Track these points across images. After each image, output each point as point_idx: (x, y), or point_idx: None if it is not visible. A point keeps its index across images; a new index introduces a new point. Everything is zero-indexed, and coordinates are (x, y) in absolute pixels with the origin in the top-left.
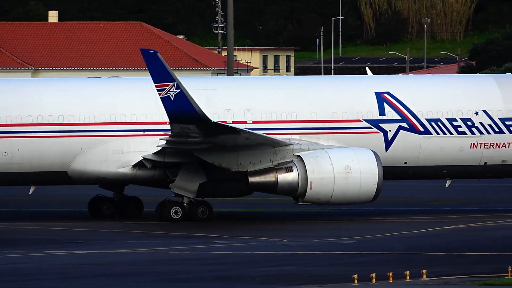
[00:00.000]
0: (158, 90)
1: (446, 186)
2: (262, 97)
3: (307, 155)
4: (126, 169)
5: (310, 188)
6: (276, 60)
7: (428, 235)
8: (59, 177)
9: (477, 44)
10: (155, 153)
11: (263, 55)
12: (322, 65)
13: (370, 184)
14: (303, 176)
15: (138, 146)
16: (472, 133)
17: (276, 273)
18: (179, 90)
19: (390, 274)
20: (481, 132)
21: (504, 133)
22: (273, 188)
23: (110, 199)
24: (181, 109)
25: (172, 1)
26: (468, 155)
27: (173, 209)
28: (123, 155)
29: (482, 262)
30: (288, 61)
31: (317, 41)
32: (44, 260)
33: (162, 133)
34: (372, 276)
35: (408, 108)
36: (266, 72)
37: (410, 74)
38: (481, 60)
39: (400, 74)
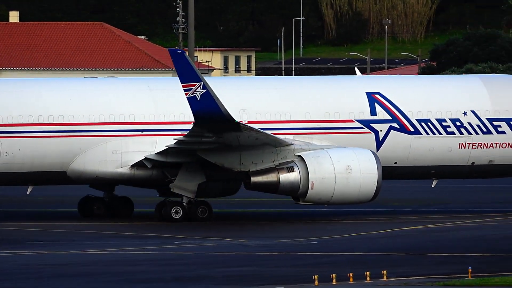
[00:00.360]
0: (184, 90)
1: (433, 186)
2: (257, 97)
3: (308, 155)
4: (125, 169)
5: (312, 188)
6: (237, 60)
7: (389, 236)
8: (58, 177)
9: (438, 45)
10: (157, 153)
11: (224, 56)
12: (283, 65)
13: (370, 184)
14: (305, 176)
15: (137, 146)
16: (461, 133)
17: (237, 273)
18: (205, 90)
19: (351, 275)
20: (469, 133)
21: (492, 133)
22: (275, 188)
23: (101, 199)
24: (207, 109)
25: (133, 1)
26: (456, 155)
27: (174, 209)
28: (122, 155)
29: (443, 263)
30: (249, 62)
31: (278, 42)
32: (3, 261)
33: (159, 133)
34: (332, 276)
35: (399, 109)
36: (227, 72)
37: (399, 75)
38: (442, 61)
39: (389, 75)
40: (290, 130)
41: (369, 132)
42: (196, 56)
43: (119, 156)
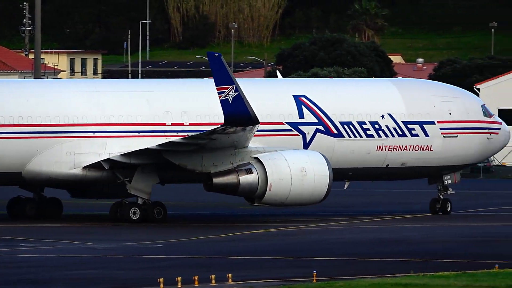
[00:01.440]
0: (218, 93)
1: (345, 188)
2: (197, 100)
3: (264, 157)
4: (77, 170)
5: (270, 190)
6: (84, 63)
7: (235, 239)
8: (14, 178)
9: (284, 49)
10: (122, 155)
11: (70, 58)
12: (130, 68)
13: (322, 185)
14: (263, 177)
15: (88, 148)
16: (379, 136)
17: (81, 276)
18: (237, 93)
19: (196, 278)
20: (386, 135)
21: (406, 136)
22: (234, 189)
23: (33, 200)
24: (237, 112)
25: None
26: (374, 157)
27: (132, 210)
28: (75, 156)
29: (288, 266)
30: (95, 64)
31: (125, 45)
32: None
33: (110, 134)
34: (178, 280)
35: (324, 111)
36: (74, 75)
37: (322, 78)
38: (288, 65)
39: (315, 78)
40: None
41: (297, 135)
42: (42, 59)
43: (73, 157)
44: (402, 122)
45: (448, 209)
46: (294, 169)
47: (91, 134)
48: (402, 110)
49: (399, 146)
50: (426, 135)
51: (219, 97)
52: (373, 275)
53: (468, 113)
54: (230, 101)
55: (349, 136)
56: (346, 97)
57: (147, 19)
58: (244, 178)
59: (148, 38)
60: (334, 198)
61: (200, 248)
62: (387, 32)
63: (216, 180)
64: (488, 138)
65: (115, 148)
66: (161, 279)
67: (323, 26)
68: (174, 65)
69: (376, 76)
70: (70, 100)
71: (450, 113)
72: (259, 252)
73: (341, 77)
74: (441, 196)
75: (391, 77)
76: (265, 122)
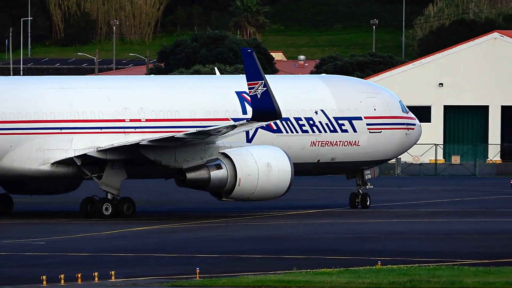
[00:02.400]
0: (249, 88)
1: None
2: (152, 96)
3: (232, 153)
4: (46, 166)
5: (239, 185)
6: None
7: (118, 236)
8: None
9: (166, 46)
10: (99, 151)
11: None
12: (11, 66)
13: (285, 180)
14: (232, 173)
15: (56, 144)
16: (313, 131)
17: None
18: (265, 89)
19: (79, 275)
20: (319, 131)
21: (337, 131)
22: (206, 184)
23: None
24: (264, 107)
25: None
26: (307, 152)
27: (105, 206)
28: (44, 152)
29: (172, 263)
30: None
31: (6, 42)
32: None
33: (75, 130)
34: (61, 277)
35: None
36: None
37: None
38: (170, 62)
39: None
40: (179, 128)
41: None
42: None
43: (42, 153)
44: (334, 118)
45: (368, 204)
46: (260, 164)
47: (58, 131)
48: (333, 106)
49: (330, 142)
50: (355, 130)
51: (249, 92)
52: (256, 272)
53: (390, 109)
54: (259, 96)
55: (287, 132)
56: (283, 93)
57: (29, 16)
58: (215, 174)
59: (29, 35)
60: None
61: (82, 246)
62: (268, 29)
63: (189, 175)
64: (406, 134)
65: (80, 144)
66: (44, 277)
67: (205, 23)
68: (56, 62)
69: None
70: (41, 97)
71: (375, 109)
72: (142, 249)
73: (224, 74)
74: (361, 191)
75: (273, 74)
76: (212, 118)
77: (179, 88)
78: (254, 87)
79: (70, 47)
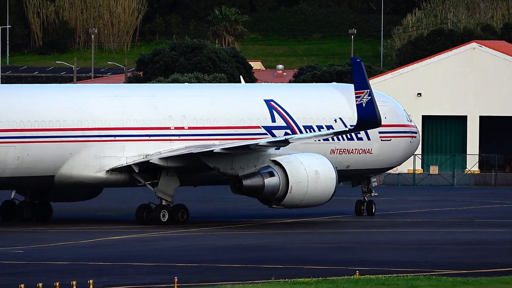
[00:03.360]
0: (356, 97)
1: None
2: (192, 104)
3: (283, 160)
4: (102, 173)
5: (290, 192)
6: None
7: (96, 245)
8: (45, 182)
9: (144, 55)
10: (161, 158)
11: None
12: None
13: (331, 187)
14: (284, 180)
15: (110, 151)
16: (333, 139)
17: None
18: (370, 98)
19: (57, 284)
20: (338, 139)
21: (353, 139)
22: (260, 191)
23: (28, 203)
24: (368, 115)
25: None
26: None
27: (162, 212)
28: (100, 160)
29: (150, 272)
30: None
31: None
32: None
33: (127, 138)
34: (39, 285)
35: (290, 115)
36: None
37: (281, 83)
38: (148, 71)
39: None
40: (217, 136)
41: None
42: None
43: (98, 161)
44: (350, 126)
45: (373, 211)
46: (309, 172)
47: (112, 138)
48: (349, 114)
49: (347, 150)
50: (368, 138)
51: (356, 101)
52: (234, 281)
53: (398, 117)
54: (364, 105)
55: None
56: (305, 101)
57: (7, 24)
58: (268, 181)
59: (8, 43)
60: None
61: (61, 254)
62: (247, 38)
63: (245, 182)
64: (410, 142)
65: (131, 152)
66: (22, 285)
67: (183, 32)
68: (34, 70)
69: (237, 83)
70: (96, 105)
71: (385, 117)
72: (121, 258)
73: (202, 82)
74: (366, 198)
75: (252, 82)
76: (246, 126)
77: (216, 96)
78: (361, 95)
79: (49, 56)
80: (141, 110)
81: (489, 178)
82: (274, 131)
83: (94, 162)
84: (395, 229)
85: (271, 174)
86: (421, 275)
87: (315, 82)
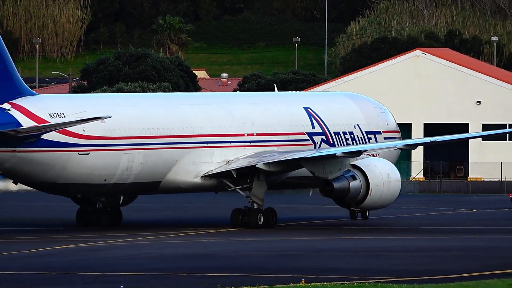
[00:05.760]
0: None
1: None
2: (256, 112)
3: (361, 164)
4: (198, 179)
5: (370, 195)
6: None
7: (43, 254)
8: (151, 188)
9: (89, 64)
10: (265, 163)
11: None
12: None
13: (398, 190)
14: (365, 183)
15: (204, 158)
16: (353, 145)
17: None
18: None
19: None
20: (357, 144)
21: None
22: (345, 194)
23: (105, 209)
24: None
25: None
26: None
27: (258, 216)
28: (197, 165)
29: (96, 281)
30: None
31: None
32: None
33: (215, 144)
34: None
35: (324, 122)
36: None
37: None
38: (93, 80)
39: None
40: (276, 142)
41: (311, 144)
42: None
43: (195, 166)
44: (365, 132)
45: (367, 214)
46: (384, 175)
47: (205, 145)
48: (363, 121)
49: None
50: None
51: None
52: None
53: (394, 125)
54: None
55: (338, 145)
56: (331, 108)
57: None
58: (353, 184)
59: None
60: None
61: (6, 264)
62: (191, 47)
63: (336, 185)
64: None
65: (218, 157)
66: None
67: (127, 41)
68: None
69: (181, 91)
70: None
71: (387, 124)
72: (67, 268)
73: (147, 92)
74: None
75: (196, 91)
76: (294, 132)
77: (269, 104)
78: None
79: None
80: (221, 117)
81: (434, 185)
82: (314, 137)
83: (193, 168)
84: (342, 237)
85: (354, 178)
86: (367, 282)
87: (260, 91)
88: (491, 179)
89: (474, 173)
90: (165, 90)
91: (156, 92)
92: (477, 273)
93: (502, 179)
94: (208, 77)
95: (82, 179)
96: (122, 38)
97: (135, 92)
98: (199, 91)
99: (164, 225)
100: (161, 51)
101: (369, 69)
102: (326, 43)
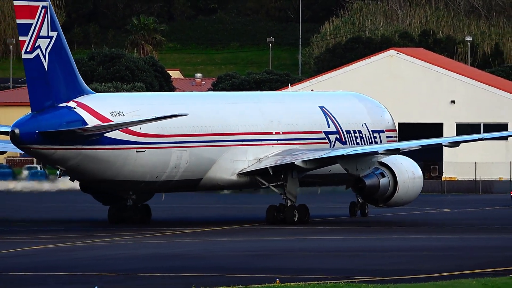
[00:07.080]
0: None
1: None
2: (280, 110)
3: (388, 161)
4: (234, 176)
5: (397, 192)
6: None
7: (16, 255)
8: (192, 185)
9: None
10: (303, 161)
11: None
12: None
13: (420, 187)
14: (393, 180)
15: (240, 155)
16: (362, 143)
17: None
18: None
19: None
20: (364, 142)
21: (373, 143)
22: (376, 191)
23: (136, 206)
24: None
25: None
26: None
27: (294, 212)
28: (234, 163)
29: (70, 282)
30: None
31: None
32: None
33: (249, 143)
34: None
35: (337, 121)
36: None
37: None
38: None
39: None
40: (298, 140)
41: (327, 142)
42: None
43: (232, 164)
44: (371, 130)
45: (366, 211)
46: (409, 172)
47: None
48: (369, 120)
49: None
50: (381, 142)
51: None
52: None
53: (394, 124)
54: None
55: (349, 144)
56: (342, 108)
57: None
58: (382, 181)
59: None
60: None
61: None
62: (165, 47)
63: (367, 182)
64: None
65: (250, 155)
66: None
67: (102, 42)
68: None
69: (155, 91)
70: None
71: (388, 123)
72: (42, 268)
73: (121, 91)
74: (360, 200)
75: (170, 91)
76: (313, 131)
77: (290, 103)
78: None
79: None
80: (253, 116)
81: None
82: (329, 136)
83: (230, 165)
84: (316, 237)
85: (382, 175)
86: (341, 282)
87: (234, 91)
88: (465, 179)
89: (449, 173)
90: (139, 90)
91: (130, 92)
92: (452, 273)
93: (477, 179)
94: (182, 77)
95: (137, 176)
96: (96, 39)
97: (109, 92)
98: (174, 91)
99: (165, 225)
100: (135, 51)
101: (343, 69)
102: (300, 43)
